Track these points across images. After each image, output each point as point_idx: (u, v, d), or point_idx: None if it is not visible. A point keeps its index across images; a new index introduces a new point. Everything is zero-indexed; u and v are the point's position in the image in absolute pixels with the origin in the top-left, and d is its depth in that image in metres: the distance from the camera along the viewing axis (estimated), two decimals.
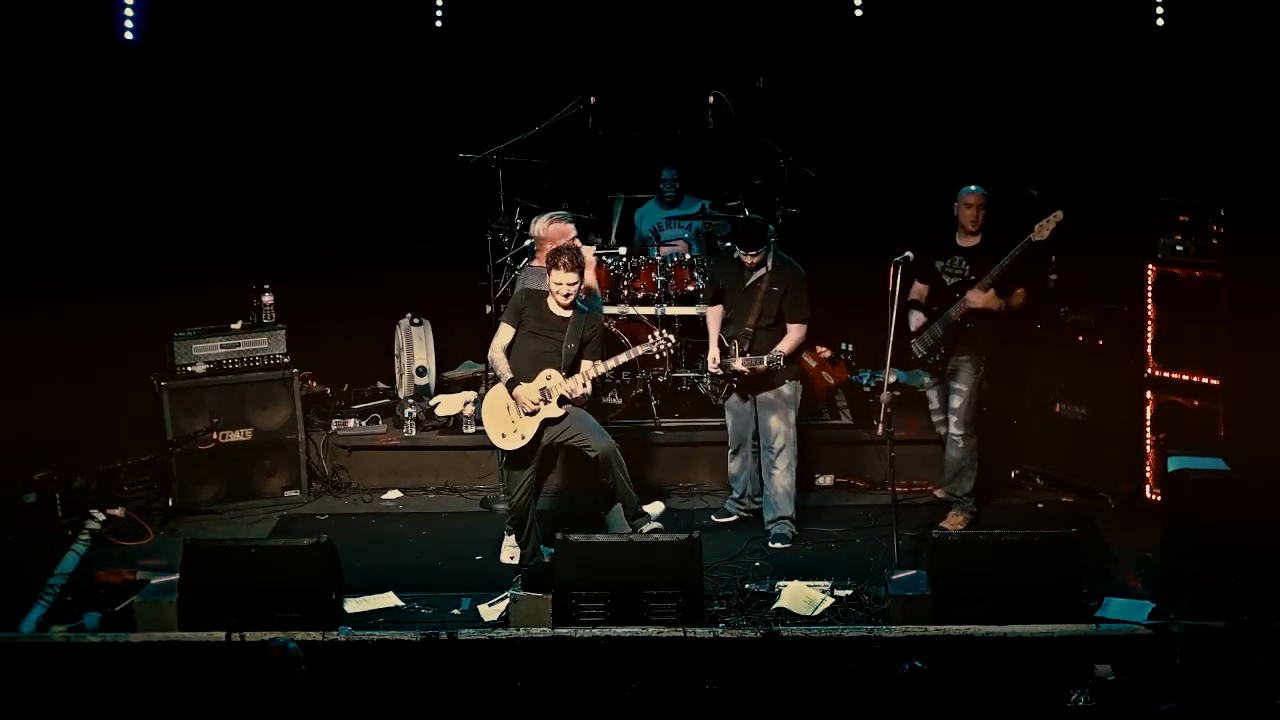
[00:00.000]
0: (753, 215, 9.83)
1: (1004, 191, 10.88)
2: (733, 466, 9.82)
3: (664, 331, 9.05)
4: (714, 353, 9.48)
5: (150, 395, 10.23)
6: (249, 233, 11.27)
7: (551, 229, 9.13)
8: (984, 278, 9.09)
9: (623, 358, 8.99)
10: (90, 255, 10.55)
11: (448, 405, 10.97)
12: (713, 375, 9.64)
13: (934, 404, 9.67)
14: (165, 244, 10.93)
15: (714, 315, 9.59)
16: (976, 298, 9.12)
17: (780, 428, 9.42)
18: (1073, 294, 10.18)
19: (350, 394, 11.43)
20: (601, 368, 8.87)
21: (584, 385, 8.69)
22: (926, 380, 9.68)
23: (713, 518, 9.81)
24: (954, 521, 9.53)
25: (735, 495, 9.82)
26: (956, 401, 9.43)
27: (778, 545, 9.37)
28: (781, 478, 9.45)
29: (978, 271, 9.21)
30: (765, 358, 9.16)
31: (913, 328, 9.38)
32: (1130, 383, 9.84)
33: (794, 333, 9.29)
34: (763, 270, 9.27)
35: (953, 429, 9.47)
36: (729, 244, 9.98)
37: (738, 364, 9.28)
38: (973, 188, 9.36)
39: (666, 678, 7.64)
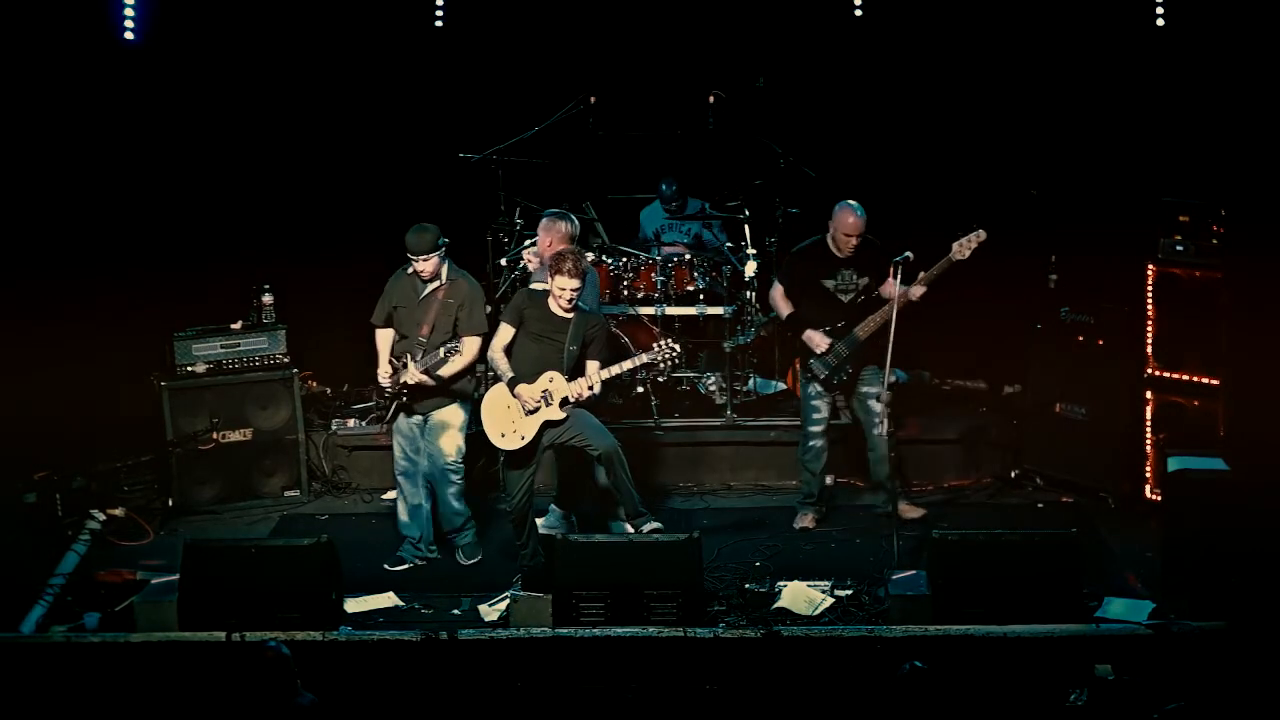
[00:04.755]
0: (424, 224, 9.09)
1: (1004, 191, 10.93)
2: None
3: (668, 340, 9.04)
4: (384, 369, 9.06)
5: (150, 395, 10.24)
6: (249, 232, 11.27)
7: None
8: (923, 276, 9.05)
9: (627, 365, 8.98)
10: (91, 255, 10.56)
11: None
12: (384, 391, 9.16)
13: (822, 412, 9.54)
14: (165, 244, 10.93)
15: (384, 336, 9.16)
16: (916, 292, 9.10)
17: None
18: (1073, 294, 10.18)
19: (350, 394, 11.43)
20: (606, 374, 8.87)
21: (590, 389, 8.68)
22: (920, 377, 9.73)
23: (385, 565, 9.26)
24: (912, 512, 9.66)
25: (413, 539, 9.38)
26: (878, 405, 9.34)
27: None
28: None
29: (874, 280, 9.28)
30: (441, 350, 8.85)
31: (820, 349, 9.32)
32: (1130, 383, 9.84)
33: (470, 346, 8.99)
34: (438, 282, 8.99)
35: (881, 429, 9.32)
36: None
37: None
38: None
39: (666, 678, 7.63)
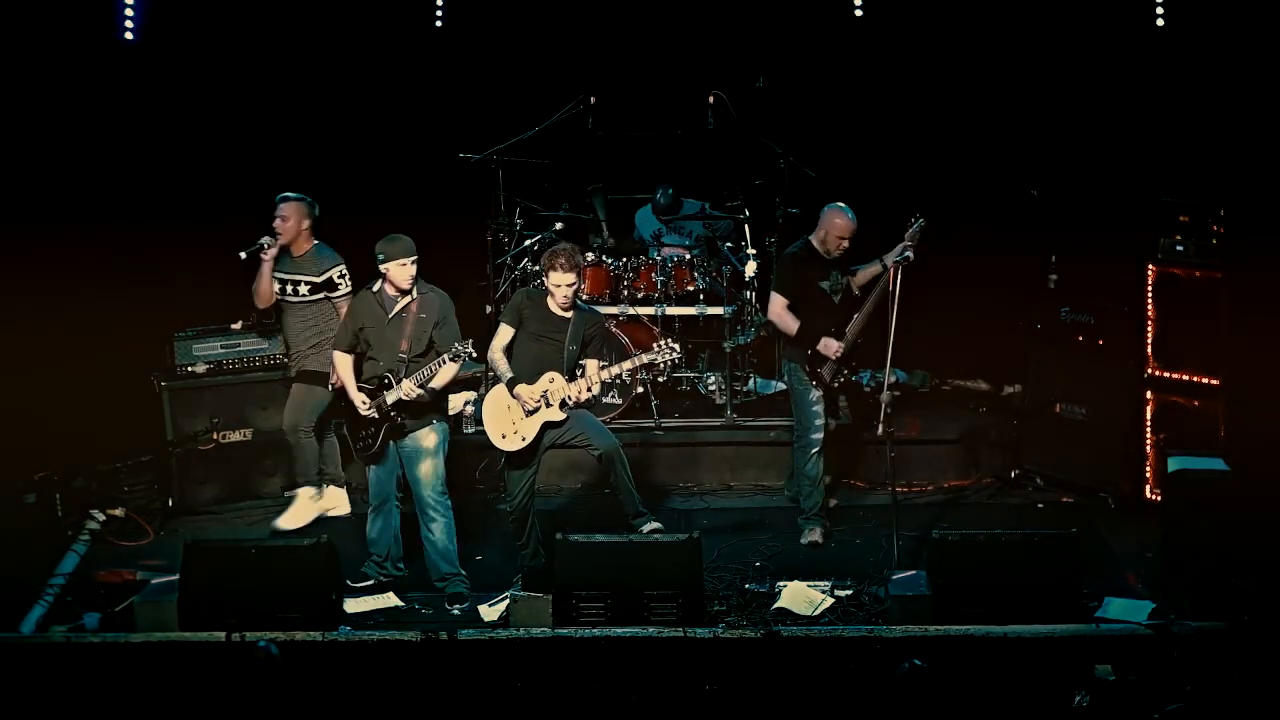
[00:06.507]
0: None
1: (1004, 191, 10.91)
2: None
3: (668, 340, 9.02)
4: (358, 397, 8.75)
5: (150, 395, 10.24)
6: (250, 233, 11.24)
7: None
8: (893, 260, 9.08)
9: (628, 365, 8.98)
10: (91, 255, 10.56)
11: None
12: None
13: (823, 418, 9.47)
14: (166, 244, 10.93)
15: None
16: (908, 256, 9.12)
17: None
18: (1073, 294, 10.18)
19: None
20: (606, 374, 8.86)
21: (589, 389, 8.68)
22: (925, 379, 9.74)
23: (348, 581, 8.81)
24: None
25: (378, 558, 9.05)
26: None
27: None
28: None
29: (850, 278, 9.37)
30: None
31: (836, 354, 9.29)
32: (1130, 383, 9.85)
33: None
34: (408, 298, 8.75)
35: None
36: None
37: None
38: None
39: (666, 678, 7.63)
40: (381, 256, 8.74)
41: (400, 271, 8.70)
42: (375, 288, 8.85)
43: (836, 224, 9.24)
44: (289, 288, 9.68)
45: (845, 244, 9.27)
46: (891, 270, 9.01)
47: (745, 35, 11.48)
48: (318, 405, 9.72)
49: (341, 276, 9.65)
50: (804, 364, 9.37)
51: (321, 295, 9.64)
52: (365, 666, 7.72)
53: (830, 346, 9.26)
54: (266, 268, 9.59)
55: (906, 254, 9.02)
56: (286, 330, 9.84)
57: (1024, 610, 7.77)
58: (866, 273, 9.38)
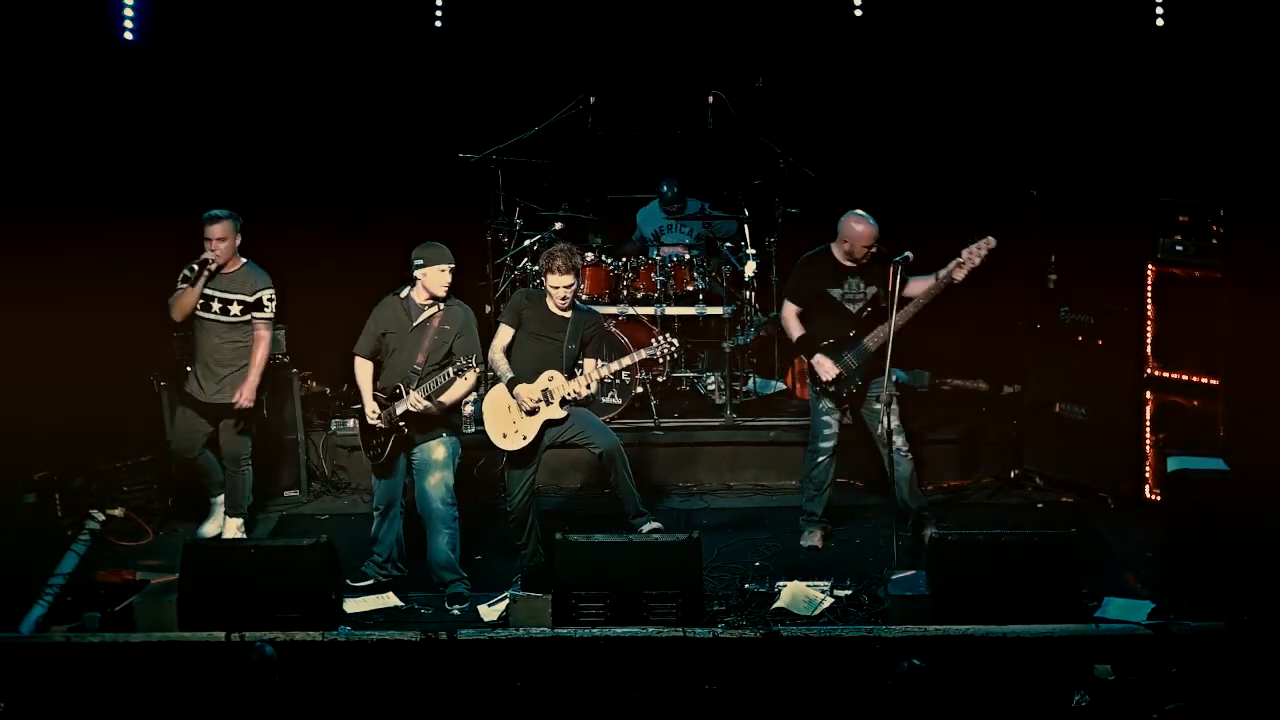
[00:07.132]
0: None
1: (1004, 191, 10.91)
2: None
3: (666, 335, 9.03)
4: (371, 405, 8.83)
5: (150, 395, 10.23)
6: (249, 233, 11.22)
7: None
8: (945, 275, 8.89)
9: (626, 361, 8.98)
10: (90, 255, 10.55)
11: None
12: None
13: (833, 428, 9.32)
14: (165, 244, 10.91)
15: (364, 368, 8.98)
16: (959, 274, 8.88)
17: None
18: (1073, 294, 10.18)
19: (350, 394, 11.39)
20: (606, 370, 8.86)
21: (588, 387, 8.69)
22: (925, 379, 9.66)
23: (348, 581, 8.81)
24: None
25: (379, 558, 9.09)
26: (893, 420, 9.06)
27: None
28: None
29: (883, 289, 9.07)
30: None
31: (828, 377, 9.13)
32: (1130, 383, 9.85)
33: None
34: (434, 308, 8.78)
35: (899, 445, 9.10)
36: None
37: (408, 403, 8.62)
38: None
39: (666, 678, 7.63)
40: (419, 261, 8.70)
41: (438, 277, 8.67)
42: (403, 294, 8.83)
43: (856, 231, 9.06)
44: (217, 305, 9.32)
45: (871, 250, 9.06)
46: (891, 271, 8.90)
47: (745, 35, 11.48)
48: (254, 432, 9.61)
49: (270, 300, 9.37)
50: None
51: (249, 316, 9.36)
52: (365, 666, 7.71)
53: (824, 366, 9.15)
54: (200, 284, 9.28)
55: (906, 254, 8.88)
56: (207, 350, 9.37)
57: (1023, 610, 7.76)
58: (920, 285, 8.99)
